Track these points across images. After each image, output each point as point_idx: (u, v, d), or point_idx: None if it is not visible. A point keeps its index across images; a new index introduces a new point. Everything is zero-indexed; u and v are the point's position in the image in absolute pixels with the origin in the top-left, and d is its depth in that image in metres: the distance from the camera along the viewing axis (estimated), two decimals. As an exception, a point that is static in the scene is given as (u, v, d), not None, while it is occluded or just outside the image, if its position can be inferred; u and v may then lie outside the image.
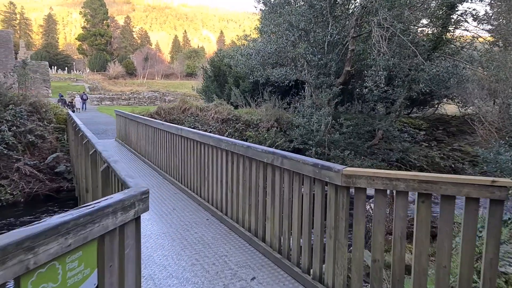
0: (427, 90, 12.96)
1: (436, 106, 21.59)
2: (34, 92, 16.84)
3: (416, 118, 19.71)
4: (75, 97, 35.44)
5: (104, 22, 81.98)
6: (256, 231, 4.64)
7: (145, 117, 10.39)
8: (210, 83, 20.55)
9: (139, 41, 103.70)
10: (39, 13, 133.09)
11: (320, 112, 13.62)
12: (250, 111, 16.42)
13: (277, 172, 4.19)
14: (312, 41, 14.51)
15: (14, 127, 9.93)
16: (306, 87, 17.31)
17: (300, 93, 17.48)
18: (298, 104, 15.76)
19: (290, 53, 14.50)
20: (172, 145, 7.98)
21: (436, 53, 14.71)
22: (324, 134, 13.54)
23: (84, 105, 32.20)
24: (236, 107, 17.26)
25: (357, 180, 3.15)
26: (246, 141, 14.71)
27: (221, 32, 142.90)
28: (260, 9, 16.64)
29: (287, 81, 15.27)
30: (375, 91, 12.79)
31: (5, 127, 9.55)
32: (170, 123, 14.29)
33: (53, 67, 70.65)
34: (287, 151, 14.70)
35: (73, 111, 22.97)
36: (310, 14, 14.61)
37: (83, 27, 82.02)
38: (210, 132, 13.80)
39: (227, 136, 14.15)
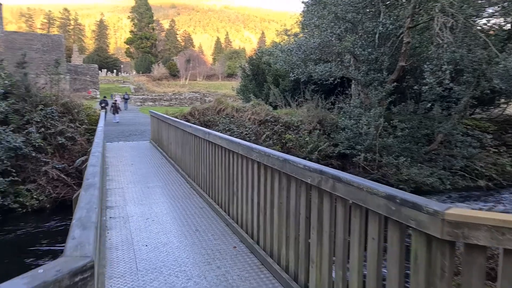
0: (502, 87, 10.86)
1: (505, 105, 18.84)
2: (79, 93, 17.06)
3: (481, 120, 17.25)
4: (116, 98, 36.35)
5: (149, 25, 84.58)
6: (296, 274, 3.42)
7: (174, 118, 9.54)
8: (248, 83, 19.54)
9: (182, 44, 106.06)
10: (92, 19, 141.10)
11: (370, 113, 12.03)
12: (290, 111, 15.15)
13: (326, 199, 2.95)
14: (361, 34, 12.97)
15: (43, 128, 9.55)
16: (352, 85, 15.70)
17: (347, 92, 15.87)
18: (344, 104, 14.22)
19: (335, 48, 13.05)
20: (199, 151, 6.99)
21: (511, 44, 12.47)
22: (374, 138, 11.94)
23: (126, 104, 33.11)
24: (275, 107, 16.06)
25: (471, 231, 1.83)
26: (285, 145, 13.48)
27: (262, 33, 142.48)
28: (302, 1, 15.33)
29: (332, 79, 13.81)
30: (437, 88, 10.96)
31: (33, 128, 9.16)
32: (204, 125, 13.50)
33: (102, 69, 74.09)
34: (331, 156, 13.38)
35: (117, 112, 21.66)
36: (359, 3, 13.06)
37: (131, 31, 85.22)
38: (246, 135, 12.74)
39: (264, 139, 13.01)
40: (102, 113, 20.34)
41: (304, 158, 13.10)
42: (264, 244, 4.10)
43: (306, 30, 14.95)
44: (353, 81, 15.48)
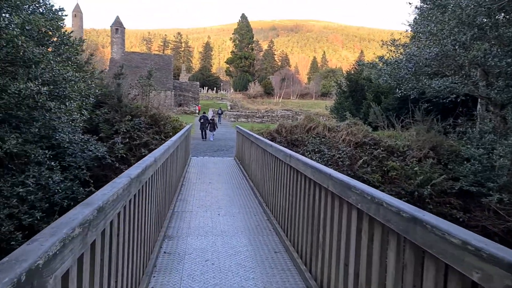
0: None
1: None
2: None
3: None
4: (209, 112, 37.92)
5: (249, 46, 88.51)
6: None
7: (256, 135, 8.41)
8: (343, 100, 17.62)
9: (279, 63, 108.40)
10: (200, 42, 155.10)
11: (508, 141, 9.12)
12: (393, 134, 12.81)
13: None
14: (493, 42, 10.20)
15: (129, 139, 9.44)
16: (479, 105, 12.63)
17: (474, 113, 12.72)
18: (469, 128, 11.30)
19: (459, 58, 10.50)
20: (279, 176, 5.64)
21: None
22: (514, 174, 8.99)
23: (219, 119, 34.42)
24: (375, 128, 13.81)
25: None
26: (387, 173, 11.22)
27: (361, 52, 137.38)
28: (416, 7, 13.05)
29: (453, 96, 11.14)
30: None
31: (119, 138, 9.06)
32: (291, 144, 12.19)
33: (204, 87, 79.73)
34: (448, 192, 10.57)
35: (214, 129, 20.40)
36: (493, 5, 10.36)
37: (232, 51, 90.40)
38: (338, 158, 10.94)
39: (361, 165, 11.00)
40: (208, 131, 19.90)
41: (412, 193, 10.68)
42: None
43: (419, 39, 12.56)
44: (479, 100, 12.44)
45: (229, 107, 56.74)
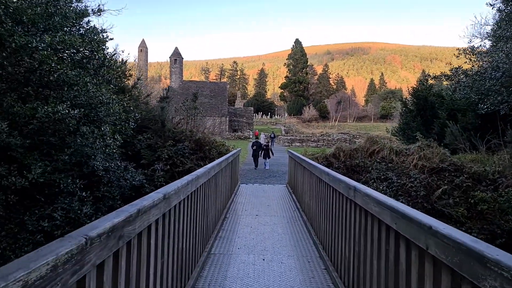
0: None
1: None
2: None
3: None
4: (261, 137, 37.37)
5: (303, 70, 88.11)
6: None
7: (309, 160, 7.13)
8: (410, 120, 15.52)
9: (334, 87, 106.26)
10: (255, 69, 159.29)
11: None
12: (477, 158, 10.61)
13: None
14: None
15: (171, 166, 8.72)
16: None
17: None
18: None
19: None
20: (340, 215, 4.35)
21: None
22: None
23: (272, 144, 33.74)
24: (453, 151, 11.62)
25: None
26: (475, 206, 9.10)
27: (423, 71, 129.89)
28: (499, 9, 11.04)
29: None
30: None
31: (160, 165, 8.38)
32: (352, 170, 10.62)
33: (259, 112, 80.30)
34: None
35: (269, 156, 18.02)
36: None
37: (286, 77, 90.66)
38: (410, 187, 9.13)
39: (439, 197, 9.06)
40: (263, 159, 18.16)
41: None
42: None
43: (502, 47, 10.48)
44: None
45: (283, 132, 55.92)
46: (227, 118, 49.52)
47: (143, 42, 67.32)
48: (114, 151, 6.15)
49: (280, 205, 9.26)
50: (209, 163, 9.98)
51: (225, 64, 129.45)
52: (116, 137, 6.09)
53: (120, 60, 8.59)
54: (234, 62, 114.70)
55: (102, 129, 6.46)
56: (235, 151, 10.46)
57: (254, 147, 17.88)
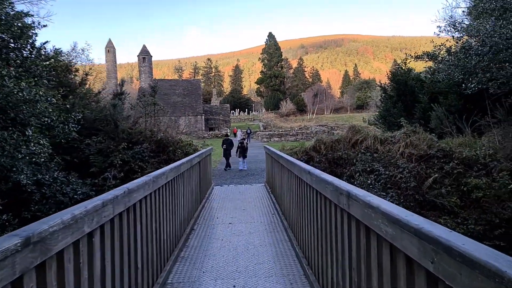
0: None
1: None
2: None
3: None
4: (238, 134, 36.41)
5: (278, 64, 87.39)
6: None
7: (287, 156, 6.05)
8: (391, 106, 14.74)
9: (310, 80, 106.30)
10: (230, 66, 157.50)
11: None
12: (465, 141, 9.88)
13: None
14: None
15: (126, 172, 7.41)
16: None
17: None
18: None
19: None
20: (327, 225, 3.29)
21: None
22: None
23: (248, 139, 33.09)
24: (439, 136, 10.85)
25: None
26: (469, 195, 8.31)
27: (394, 61, 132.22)
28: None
29: None
30: None
31: (111, 173, 7.06)
32: (334, 163, 9.66)
33: (236, 109, 79.00)
34: None
35: (244, 155, 15.75)
36: None
37: (261, 72, 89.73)
38: (400, 178, 8.24)
39: (431, 186, 8.21)
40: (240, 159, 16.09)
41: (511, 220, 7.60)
42: None
43: (488, 17, 9.64)
44: None
45: (261, 127, 54.94)
46: (203, 117, 47.97)
47: (110, 42, 64.41)
48: (43, 160, 4.85)
49: (258, 208, 8.17)
50: (174, 165, 8.74)
51: (199, 62, 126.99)
52: (42, 142, 4.79)
53: (72, 58, 7.20)
54: (208, 59, 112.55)
55: (27, 133, 5.12)
56: (203, 150, 9.28)
57: (224, 146, 15.40)
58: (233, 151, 16.39)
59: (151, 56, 48.19)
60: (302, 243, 4.72)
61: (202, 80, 72.66)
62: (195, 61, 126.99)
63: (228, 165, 15.86)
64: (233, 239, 5.76)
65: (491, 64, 8.80)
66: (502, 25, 8.27)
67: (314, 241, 3.87)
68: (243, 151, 15.53)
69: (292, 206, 5.48)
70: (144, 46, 47.62)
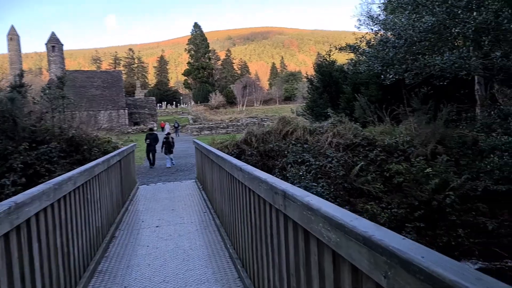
0: None
1: None
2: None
3: None
4: (166, 128, 34.88)
5: (206, 55, 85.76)
6: None
7: (216, 151, 5.64)
8: (317, 97, 15.20)
9: (239, 72, 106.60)
10: (154, 57, 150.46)
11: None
12: (385, 129, 10.51)
13: None
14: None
15: (30, 177, 6.26)
16: (476, 85, 10.63)
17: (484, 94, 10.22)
18: (486, 112, 9.09)
19: (461, 26, 8.34)
20: (262, 226, 2.94)
21: None
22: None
23: (176, 133, 32.17)
24: (363, 125, 11.40)
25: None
26: (391, 180, 8.82)
27: (318, 53, 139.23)
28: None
29: (464, 73, 8.95)
30: None
31: (10, 179, 5.86)
32: (266, 156, 9.51)
33: (163, 102, 75.63)
34: (471, 196, 7.98)
35: (170, 151, 14.58)
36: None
37: (188, 63, 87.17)
38: (330, 168, 8.40)
39: (358, 174, 8.52)
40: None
41: (429, 202, 8.13)
42: None
43: (402, 11, 10.27)
44: (477, 79, 10.48)
45: (191, 121, 53.45)
46: (126, 111, 44.84)
47: (12, 29, 56.56)
48: None
49: (188, 207, 7.65)
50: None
51: (120, 52, 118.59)
52: None
53: None
54: (130, 49, 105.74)
55: None
56: (125, 147, 8.35)
57: (148, 141, 14.02)
58: (159, 146, 15.27)
59: (62, 45, 43.42)
60: (236, 243, 4.40)
61: (124, 72, 68.00)
62: (115, 51, 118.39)
63: (153, 162, 14.76)
64: (161, 244, 5.23)
65: (407, 56, 9.44)
66: (415, 19, 8.87)
67: (249, 242, 3.57)
68: (168, 146, 14.47)
69: (224, 205, 5.11)
70: (53, 33, 42.64)
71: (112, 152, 8.52)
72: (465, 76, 9.07)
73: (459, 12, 8.20)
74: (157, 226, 6.22)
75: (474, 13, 7.83)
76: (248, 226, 3.51)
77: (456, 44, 9.39)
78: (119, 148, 8.65)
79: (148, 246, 5.18)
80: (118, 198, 6.92)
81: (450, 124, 9.85)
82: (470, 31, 8.16)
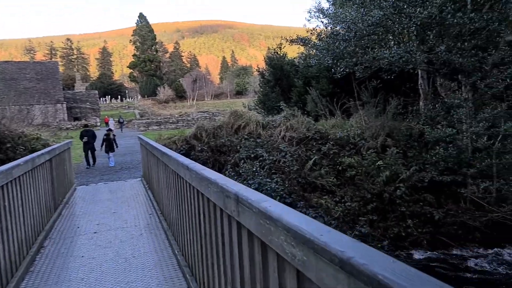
0: None
1: None
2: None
3: None
4: (109, 123, 32.81)
5: (152, 47, 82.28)
6: None
7: (163, 148, 5.10)
8: (269, 90, 15.01)
9: (188, 65, 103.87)
10: (96, 48, 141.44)
11: (484, 116, 7.37)
12: (337, 123, 10.57)
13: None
14: None
15: None
16: (420, 80, 11.09)
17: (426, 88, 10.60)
18: (430, 105, 9.43)
19: (408, 20, 8.54)
20: (213, 232, 2.43)
21: None
22: (498, 155, 7.26)
23: (121, 128, 30.41)
24: (315, 119, 11.36)
25: None
26: (343, 173, 8.83)
27: (268, 48, 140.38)
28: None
29: (410, 67, 9.17)
30: None
31: None
32: (218, 151, 9.02)
33: (107, 96, 71.23)
34: (419, 187, 8.32)
35: (112, 149, 13.18)
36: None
37: (134, 55, 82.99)
38: (284, 163, 8.16)
39: (311, 168, 8.39)
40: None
41: (380, 194, 8.19)
42: None
43: (351, 4, 10.33)
44: (420, 73, 10.94)
45: (137, 115, 50.91)
46: (64, 105, 41.43)
47: None
48: None
49: (133, 208, 6.98)
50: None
51: (56, 42, 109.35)
52: None
53: None
54: (68, 39, 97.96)
55: None
56: (57, 145, 7.39)
57: (86, 138, 12.58)
58: (99, 144, 13.92)
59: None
60: (184, 250, 3.94)
61: (61, 63, 62.84)
62: (51, 41, 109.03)
63: (94, 161, 13.49)
64: (98, 252, 4.61)
65: (357, 49, 9.50)
66: (364, 13, 8.93)
67: (198, 249, 3.14)
68: (109, 144, 13.21)
69: (172, 207, 4.60)
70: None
71: (41, 149, 7.47)
72: (411, 70, 9.39)
73: (405, 6, 8.38)
74: (95, 232, 5.54)
75: (419, 8, 8.06)
76: (197, 232, 3.08)
77: (402, 38, 9.66)
78: (50, 145, 7.64)
79: (83, 256, 4.54)
80: (48, 202, 6.06)
81: (397, 117, 10.19)
82: (415, 26, 8.43)
